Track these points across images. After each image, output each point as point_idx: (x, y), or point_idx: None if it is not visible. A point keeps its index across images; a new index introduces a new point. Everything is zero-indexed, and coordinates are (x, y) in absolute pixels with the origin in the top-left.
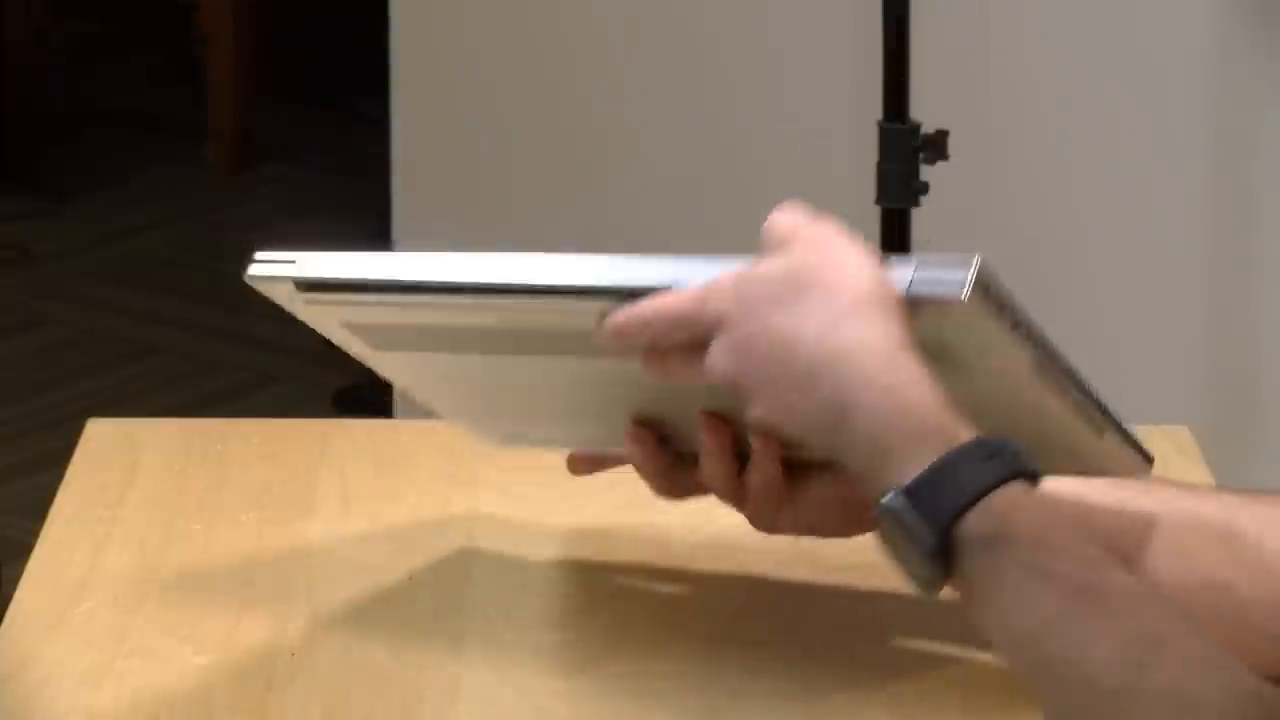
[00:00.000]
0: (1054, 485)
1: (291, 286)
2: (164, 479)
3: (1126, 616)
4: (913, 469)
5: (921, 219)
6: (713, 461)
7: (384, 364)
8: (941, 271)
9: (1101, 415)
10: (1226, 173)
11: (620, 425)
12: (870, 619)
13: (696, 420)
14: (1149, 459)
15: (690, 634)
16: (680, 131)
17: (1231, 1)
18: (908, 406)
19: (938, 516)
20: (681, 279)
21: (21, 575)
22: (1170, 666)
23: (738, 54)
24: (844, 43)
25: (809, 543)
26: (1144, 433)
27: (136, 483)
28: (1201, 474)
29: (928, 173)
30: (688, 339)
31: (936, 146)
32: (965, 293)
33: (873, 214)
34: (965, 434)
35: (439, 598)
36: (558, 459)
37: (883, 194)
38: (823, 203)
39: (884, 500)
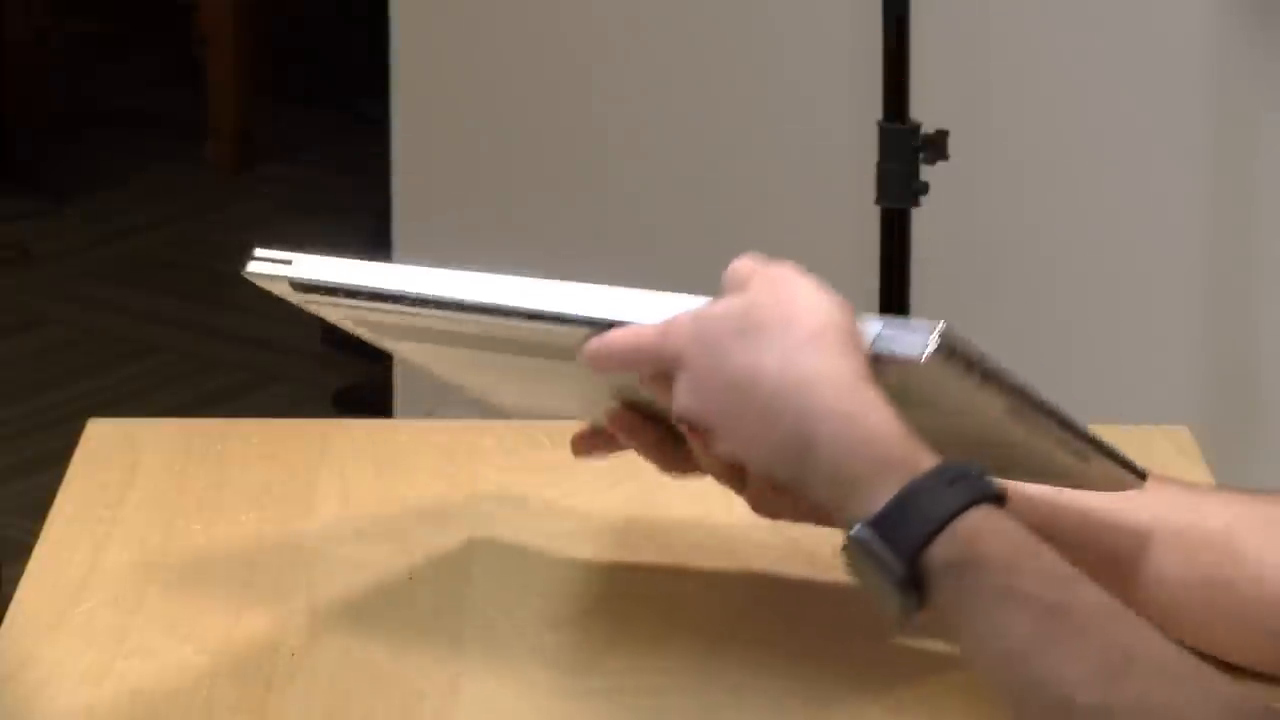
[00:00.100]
0: (1053, 493)
1: (288, 285)
2: (164, 479)
3: (1095, 632)
4: (879, 499)
5: (921, 219)
6: (701, 453)
7: (386, 345)
8: (905, 332)
9: (1085, 443)
10: (1226, 173)
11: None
12: (870, 617)
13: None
14: (1141, 476)
15: (690, 633)
16: (680, 131)
17: (1231, 1)
18: (870, 435)
19: (904, 546)
20: (655, 314)
21: (21, 575)
22: (1141, 678)
23: (738, 54)
24: (844, 43)
25: (809, 541)
26: (1144, 433)
27: (136, 482)
28: (1201, 474)
29: (928, 173)
30: (653, 371)
31: (936, 146)
32: (925, 355)
33: (873, 214)
34: (927, 461)
35: (439, 597)
36: (558, 459)
37: (883, 194)
38: (823, 203)
39: (851, 532)
